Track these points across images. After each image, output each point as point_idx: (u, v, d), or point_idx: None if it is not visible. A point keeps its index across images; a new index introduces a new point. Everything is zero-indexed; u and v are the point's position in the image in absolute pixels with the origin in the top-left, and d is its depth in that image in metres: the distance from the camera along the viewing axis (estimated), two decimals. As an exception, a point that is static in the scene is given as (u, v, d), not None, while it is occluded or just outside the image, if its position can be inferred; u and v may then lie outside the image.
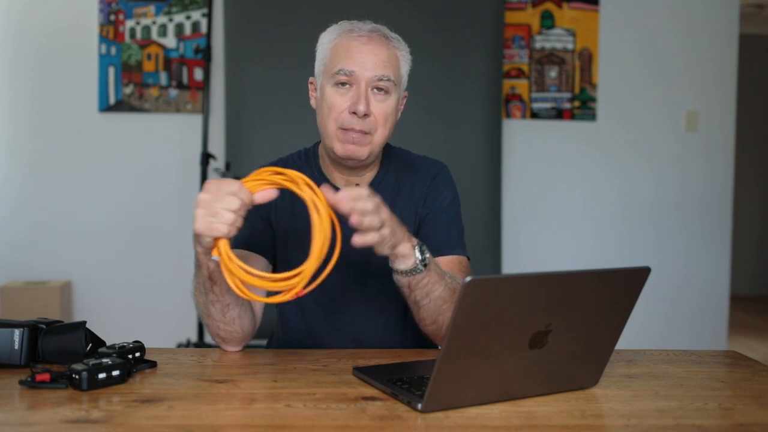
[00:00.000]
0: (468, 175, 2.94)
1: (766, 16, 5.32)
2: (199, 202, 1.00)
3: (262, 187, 1.03)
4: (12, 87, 3.16)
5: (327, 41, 1.27)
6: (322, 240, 0.99)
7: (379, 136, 1.25)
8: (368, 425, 0.83)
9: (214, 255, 1.03)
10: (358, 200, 1.00)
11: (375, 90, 1.23)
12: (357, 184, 1.33)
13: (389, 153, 1.38)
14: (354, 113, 1.22)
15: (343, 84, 1.23)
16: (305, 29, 2.93)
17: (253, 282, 1.01)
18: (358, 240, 1.02)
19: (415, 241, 1.10)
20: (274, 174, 1.03)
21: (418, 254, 1.09)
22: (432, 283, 1.12)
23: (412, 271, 1.09)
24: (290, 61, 2.89)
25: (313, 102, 1.33)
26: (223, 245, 1.01)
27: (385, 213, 1.04)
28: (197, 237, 1.02)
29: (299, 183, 1.01)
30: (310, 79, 1.33)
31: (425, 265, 1.09)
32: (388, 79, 1.23)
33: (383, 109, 1.24)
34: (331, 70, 1.24)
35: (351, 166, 1.29)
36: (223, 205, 0.99)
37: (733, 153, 3.41)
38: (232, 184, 1.00)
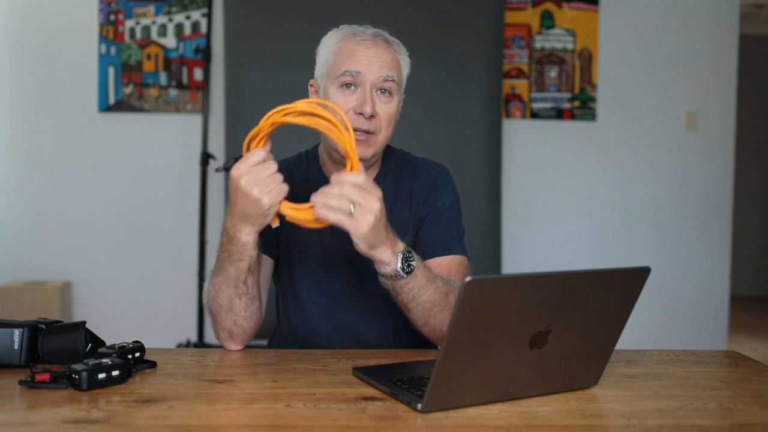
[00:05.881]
0: (468, 175, 2.94)
1: (766, 16, 5.32)
2: (248, 184, 1.04)
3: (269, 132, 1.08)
4: (12, 87, 3.16)
5: (330, 44, 1.29)
6: (347, 143, 1.05)
7: (383, 137, 1.27)
8: (368, 425, 0.83)
9: (275, 223, 1.10)
10: (344, 187, 1.03)
11: (379, 92, 1.25)
12: None
13: (390, 154, 1.39)
14: (360, 114, 1.23)
15: (348, 86, 1.25)
16: (305, 29, 2.94)
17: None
18: (319, 213, 1.04)
19: (400, 247, 1.09)
20: (277, 115, 1.06)
21: (398, 263, 1.08)
22: (418, 287, 1.11)
23: (394, 277, 1.09)
24: (290, 61, 2.88)
25: None
26: (283, 205, 1.08)
27: (377, 207, 1.04)
28: (255, 216, 1.07)
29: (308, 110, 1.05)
30: (311, 81, 1.35)
31: (408, 273, 1.09)
32: (393, 80, 1.25)
33: (387, 111, 1.26)
34: (336, 72, 1.25)
35: None
36: (268, 173, 1.05)
37: (733, 153, 3.41)
38: (255, 154, 1.05)
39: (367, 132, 1.25)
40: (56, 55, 3.16)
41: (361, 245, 1.06)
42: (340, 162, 1.31)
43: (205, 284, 1.22)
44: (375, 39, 1.26)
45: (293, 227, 1.33)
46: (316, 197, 1.04)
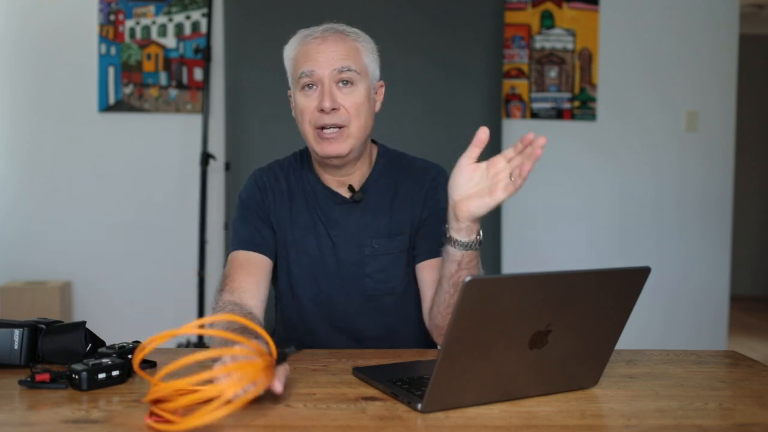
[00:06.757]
0: (468, 175, 2.93)
1: (766, 16, 5.32)
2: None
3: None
4: (12, 87, 3.16)
5: (289, 52, 1.31)
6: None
7: (356, 128, 1.26)
8: (368, 425, 0.83)
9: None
10: None
11: (340, 84, 1.25)
12: (350, 186, 1.33)
13: (384, 154, 1.38)
14: (322, 110, 1.23)
15: (309, 86, 1.25)
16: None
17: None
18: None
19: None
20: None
21: (480, 232, 1.10)
22: (476, 265, 1.13)
23: (473, 244, 1.10)
24: (290, 61, 2.88)
25: (294, 114, 1.34)
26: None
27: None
28: None
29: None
30: (288, 93, 1.35)
31: (480, 243, 1.11)
32: (349, 69, 1.25)
33: (353, 101, 1.25)
34: (296, 77, 1.27)
35: (336, 164, 1.30)
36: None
37: (733, 153, 3.41)
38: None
39: (336, 126, 1.24)
40: (56, 55, 3.16)
41: (485, 210, 1.06)
42: (322, 163, 1.31)
43: (214, 298, 1.23)
44: (325, 34, 1.26)
45: (288, 225, 1.34)
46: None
